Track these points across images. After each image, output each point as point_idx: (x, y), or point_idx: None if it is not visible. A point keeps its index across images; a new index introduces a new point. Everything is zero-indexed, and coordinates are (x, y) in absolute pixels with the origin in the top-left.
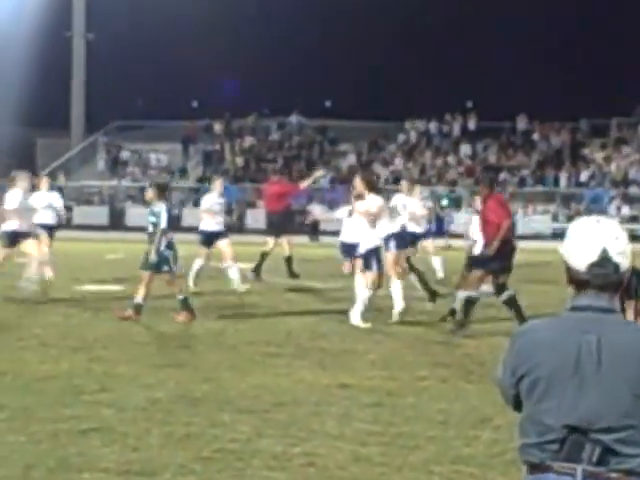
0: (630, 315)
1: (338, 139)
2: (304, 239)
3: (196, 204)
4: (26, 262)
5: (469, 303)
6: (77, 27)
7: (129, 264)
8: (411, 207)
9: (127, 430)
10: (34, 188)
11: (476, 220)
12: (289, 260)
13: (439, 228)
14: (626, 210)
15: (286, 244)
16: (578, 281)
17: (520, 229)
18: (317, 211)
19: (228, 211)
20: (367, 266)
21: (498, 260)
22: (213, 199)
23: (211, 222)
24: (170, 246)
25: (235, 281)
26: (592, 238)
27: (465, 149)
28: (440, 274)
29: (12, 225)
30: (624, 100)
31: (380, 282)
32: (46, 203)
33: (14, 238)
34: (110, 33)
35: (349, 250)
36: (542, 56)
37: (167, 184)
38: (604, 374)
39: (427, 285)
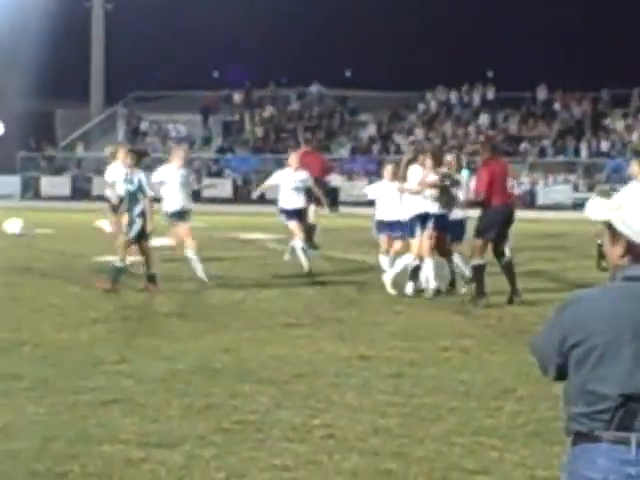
0: None
1: (358, 109)
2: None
3: (217, 174)
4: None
5: (477, 271)
6: None
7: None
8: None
9: (146, 401)
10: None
11: None
12: (312, 230)
13: None
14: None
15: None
16: (634, 251)
17: (541, 199)
18: (337, 181)
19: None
20: (412, 233)
21: (494, 228)
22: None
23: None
24: (141, 214)
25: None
26: None
27: (485, 119)
28: None
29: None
30: None
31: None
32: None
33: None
34: (129, 3)
35: (388, 228)
36: (561, 26)
37: (145, 151)
38: None
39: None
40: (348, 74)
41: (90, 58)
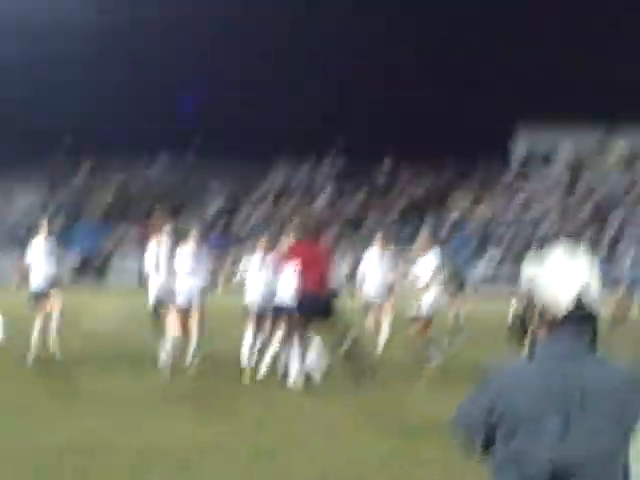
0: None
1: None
2: None
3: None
4: None
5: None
6: None
7: None
8: None
9: None
10: None
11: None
12: None
13: None
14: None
15: None
16: (553, 322)
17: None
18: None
19: None
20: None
21: (305, 307)
22: None
23: None
24: None
25: None
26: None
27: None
28: None
29: None
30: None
31: None
32: None
33: None
34: None
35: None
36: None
37: None
38: (588, 414)
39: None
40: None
41: None
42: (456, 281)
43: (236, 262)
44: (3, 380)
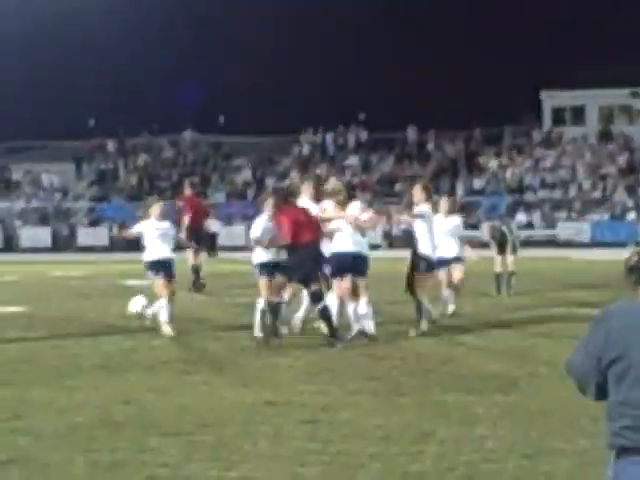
0: None
1: (232, 154)
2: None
3: (92, 224)
4: None
5: (273, 309)
6: None
7: (25, 286)
8: None
9: (48, 460)
10: None
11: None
12: (197, 271)
13: None
14: (522, 217)
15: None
16: None
17: None
18: (215, 227)
19: None
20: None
21: (295, 269)
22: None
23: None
24: None
25: None
26: None
27: (356, 160)
28: None
29: None
30: (516, 108)
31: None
32: None
33: None
34: None
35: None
36: (433, 67)
37: None
38: None
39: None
40: (221, 120)
41: None
42: (508, 241)
43: None
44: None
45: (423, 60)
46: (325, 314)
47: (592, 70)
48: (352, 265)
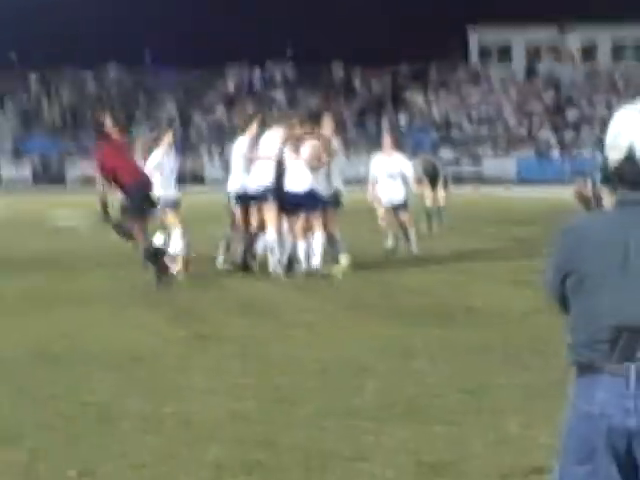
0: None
1: (157, 89)
2: None
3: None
4: None
5: (148, 253)
6: None
7: None
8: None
9: None
10: None
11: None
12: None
13: None
14: (448, 153)
15: None
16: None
17: (347, 173)
18: None
19: None
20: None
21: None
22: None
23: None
24: None
25: None
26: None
27: (283, 95)
28: None
29: None
30: (442, 44)
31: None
32: None
33: None
34: None
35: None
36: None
37: None
38: None
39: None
40: (146, 54)
41: None
42: (440, 175)
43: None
44: None
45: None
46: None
47: (519, 6)
48: (303, 203)
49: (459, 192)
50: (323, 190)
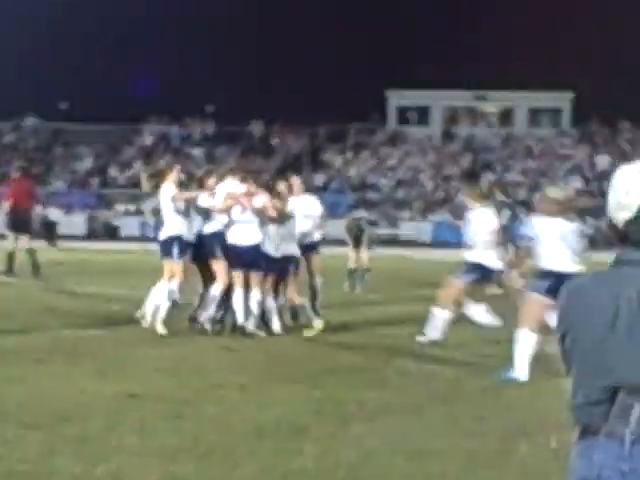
0: None
1: (75, 142)
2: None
3: None
4: None
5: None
6: None
7: None
8: None
9: None
10: None
11: None
12: (12, 257)
13: None
14: (364, 214)
15: (26, 242)
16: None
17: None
18: (55, 215)
19: None
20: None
21: None
22: None
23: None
24: None
25: None
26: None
27: (202, 152)
28: None
29: None
30: (361, 106)
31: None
32: None
33: None
34: None
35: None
36: (278, 61)
37: None
38: None
39: None
40: (64, 106)
41: None
42: (364, 236)
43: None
44: None
45: (268, 56)
46: None
47: (437, 71)
48: (245, 259)
49: (376, 254)
50: (274, 251)
